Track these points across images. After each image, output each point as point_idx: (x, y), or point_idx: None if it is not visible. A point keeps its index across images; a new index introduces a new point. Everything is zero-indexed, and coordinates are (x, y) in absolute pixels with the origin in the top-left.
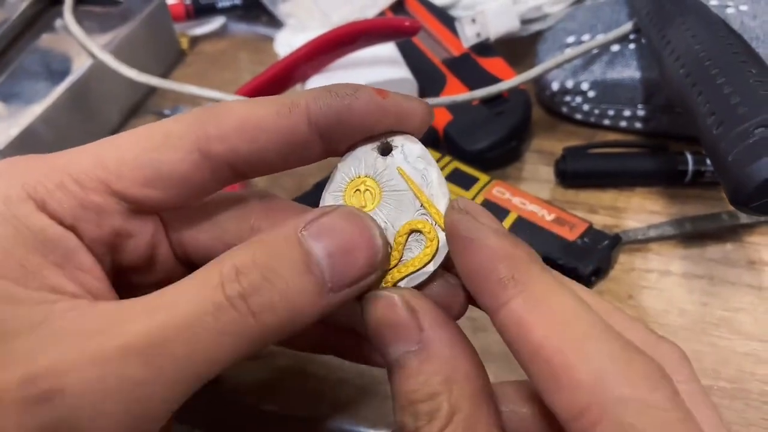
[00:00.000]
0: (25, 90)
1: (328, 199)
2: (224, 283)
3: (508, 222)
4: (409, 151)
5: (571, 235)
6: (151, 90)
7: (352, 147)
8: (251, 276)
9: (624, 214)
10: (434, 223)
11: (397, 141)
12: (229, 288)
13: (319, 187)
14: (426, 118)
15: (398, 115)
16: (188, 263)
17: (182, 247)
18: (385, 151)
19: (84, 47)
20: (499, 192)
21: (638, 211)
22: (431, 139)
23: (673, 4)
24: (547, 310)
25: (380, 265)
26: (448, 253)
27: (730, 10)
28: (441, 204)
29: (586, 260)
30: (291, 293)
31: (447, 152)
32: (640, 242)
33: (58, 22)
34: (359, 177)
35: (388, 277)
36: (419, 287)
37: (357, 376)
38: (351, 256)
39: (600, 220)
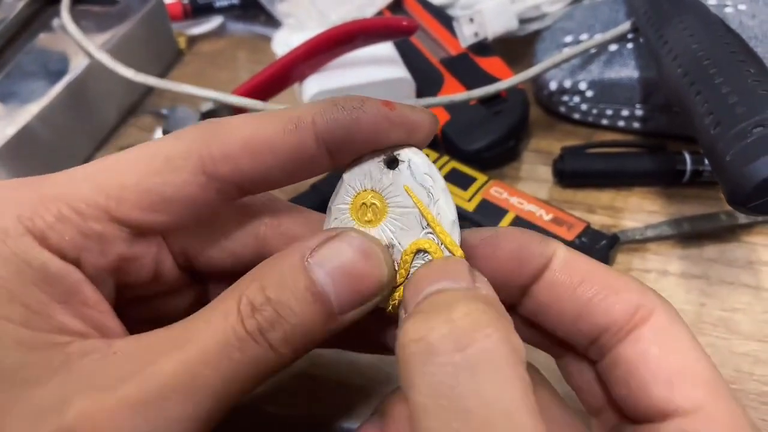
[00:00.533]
0: (22, 89)
1: (334, 212)
2: (244, 319)
3: (506, 222)
4: (416, 167)
5: (569, 234)
6: (149, 89)
7: (357, 158)
8: (265, 313)
9: (622, 213)
10: (440, 242)
11: (403, 155)
12: (248, 324)
13: (316, 189)
14: (432, 128)
15: (405, 127)
16: (191, 270)
17: (186, 259)
18: (392, 164)
19: (81, 47)
20: (497, 192)
21: (636, 210)
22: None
23: (670, 3)
24: (581, 254)
25: (387, 286)
26: None
27: (728, 10)
28: (446, 223)
29: None
30: (302, 324)
31: (445, 152)
32: (638, 242)
33: (55, 22)
34: (365, 190)
35: (396, 295)
36: None
37: (357, 377)
38: (357, 281)
39: (598, 220)
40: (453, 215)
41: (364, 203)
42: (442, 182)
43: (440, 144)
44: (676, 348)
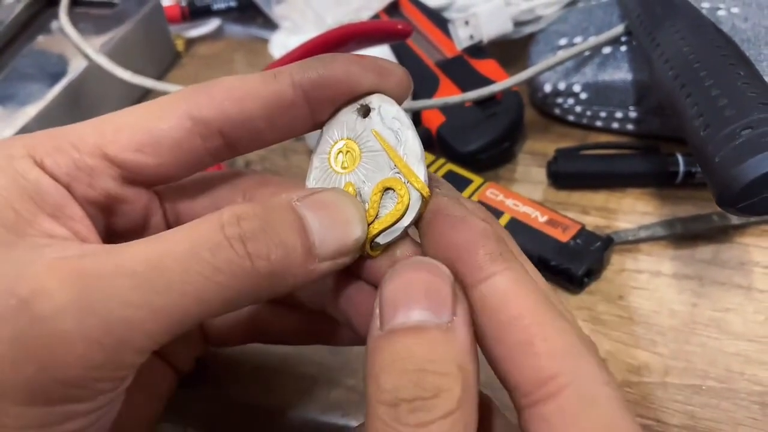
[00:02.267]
0: (21, 91)
1: (314, 161)
2: (225, 225)
3: (501, 223)
4: (386, 112)
5: (563, 236)
6: (147, 91)
7: (335, 112)
8: (252, 223)
9: (615, 215)
10: (406, 181)
11: (374, 102)
12: (229, 230)
13: None
14: (404, 78)
15: (376, 72)
16: None
17: (176, 216)
18: (365, 113)
19: (79, 49)
20: (492, 194)
21: (630, 212)
22: (425, 141)
23: (663, 6)
24: (529, 287)
25: (360, 245)
26: (419, 210)
27: (721, 13)
28: (413, 163)
29: (578, 262)
30: (285, 248)
31: (440, 154)
32: (631, 243)
33: (53, 24)
34: (342, 139)
35: (367, 233)
36: (393, 242)
37: (347, 377)
38: (338, 231)
39: (592, 221)
40: (420, 153)
41: (340, 151)
42: (411, 126)
43: (436, 146)
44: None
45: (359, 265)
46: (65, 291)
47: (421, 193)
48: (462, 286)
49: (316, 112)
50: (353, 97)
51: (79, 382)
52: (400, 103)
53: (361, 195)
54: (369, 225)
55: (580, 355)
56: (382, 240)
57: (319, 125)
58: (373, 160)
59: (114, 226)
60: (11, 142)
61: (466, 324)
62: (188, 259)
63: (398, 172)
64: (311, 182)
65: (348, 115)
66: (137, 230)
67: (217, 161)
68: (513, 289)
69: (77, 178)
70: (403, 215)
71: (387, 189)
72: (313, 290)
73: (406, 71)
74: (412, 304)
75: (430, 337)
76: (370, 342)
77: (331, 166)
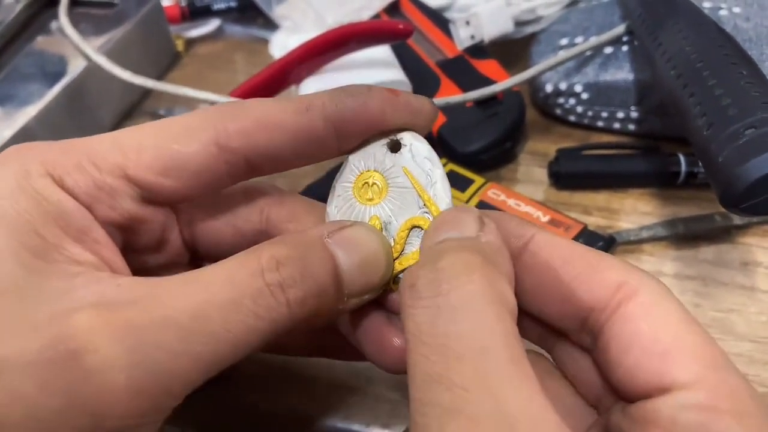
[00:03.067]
0: (20, 92)
1: (338, 189)
2: (264, 271)
3: None
4: (417, 150)
5: (566, 236)
6: (147, 92)
7: (363, 142)
8: (290, 269)
9: (617, 215)
10: (433, 219)
11: (406, 139)
12: (269, 276)
13: (310, 189)
14: (433, 115)
15: (409, 111)
16: (194, 248)
17: (191, 232)
18: (395, 147)
19: (78, 49)
20: (494, 194)
21: (631, 212)
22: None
23: (665, 6)
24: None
25: (385, 282)
26: None
27: (723, 12)
28: (442, 204)
29: None
30: (319, 292)
31: (442, 154)
32: (633, 243)
33: (53, 24)
34: (368, 171)
35: (393, 270)
36: None
37: (349, 377)
38: (366, 270)
39: (593, 222)
40: (448, 198)
41: (366, 182)
42: (440, 167)
43: (437, 146)
44: (666, 322)
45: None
46: (115, 346)
47: None
48: (509, 248)
49: (343, 143)
50: (383, 131)
51: (124, 429)
52: (426, 134)
53: (387, 230)
54: (395, 260)
55: (638, 268)
56: None
57: (345, 153)
58: (401, 196)
59: (132, 243)
60: (25, 154)
61: (494, 232)
62: (230, 307)
63: (426, 212)
64: (333, 210)
65: (377, 148)
66: (154, 246)
67: (235, 182)
68: (552, 238)
69: (98, 198)
70: None
71: (414, 227)
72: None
73: (436, 107)
74: (440, 230)
75: (451, 247)
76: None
77: (356, 196)
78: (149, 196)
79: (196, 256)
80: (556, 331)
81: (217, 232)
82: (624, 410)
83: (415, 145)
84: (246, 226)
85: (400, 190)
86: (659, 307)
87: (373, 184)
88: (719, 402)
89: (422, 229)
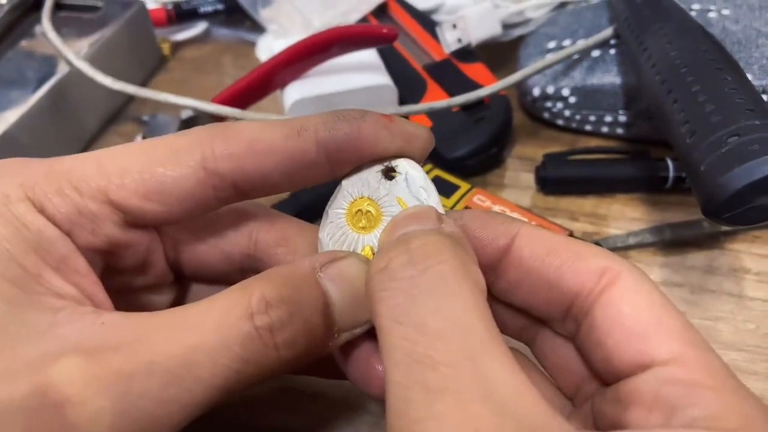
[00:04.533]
0: (2, 97)
1: (330, 215)
2: (254, 314)
3: None
4: (413, 180)
5: None
6: (131, 96)
7: (357, 167)
8: (280, 311)
9: (605, 221)
10: None
11: (401, 167)
12: (258, 320)
13: (296, 197)
14: (429, 143)
15: (404, 139)
16: (179, 269)
17: (176, 254)
18: (389, 175)
19: (60, 54)
20: (479, 200)
21: (619, 218)
22: None
23: (651, 10)
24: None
25: None
26: None
27: (711, 15)
28: None
29: None
30: (309, 332)
31: (427, 159)
32: (620, 250)
33: (37, 28)
34: (362, 197)
35: None
36: None
37: (332, 390)
38: (358, 304)
39: (581, 227)
40: None
41: (359, 210)
42: (436, 195)
43: None
44: (647, 304)
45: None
46: (100, 398)
47: None
48: (497, 260)
49: (336, 168)
50: (377, 158)
51: None
52: (421, 161)
53: None
54: None
55: (618, 257)
56: None
57: (338, 178)
58: None
59: (114, 266)
60: (4, 179)
61: (455, 228)
62: (219, 351)
63: None
64: (326, 237)
65: (371, 174)
66: (137, 268)
67: (223, 205)
68: (537, 231)
69: (79, 224)
70: None
71: None
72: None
73: (431, 134)
74: (401, 225)
75: (417, 232)
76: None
77: (349, 224)
78: (133, 220)
79: (181, 275)
80: (538, 322)
81: (204, 255)
82: (606, 394)
83: (411, 173)
84: (234, 249)
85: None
86: (640, 290)
87: (367, 212)
88: (698, 376)
89: None
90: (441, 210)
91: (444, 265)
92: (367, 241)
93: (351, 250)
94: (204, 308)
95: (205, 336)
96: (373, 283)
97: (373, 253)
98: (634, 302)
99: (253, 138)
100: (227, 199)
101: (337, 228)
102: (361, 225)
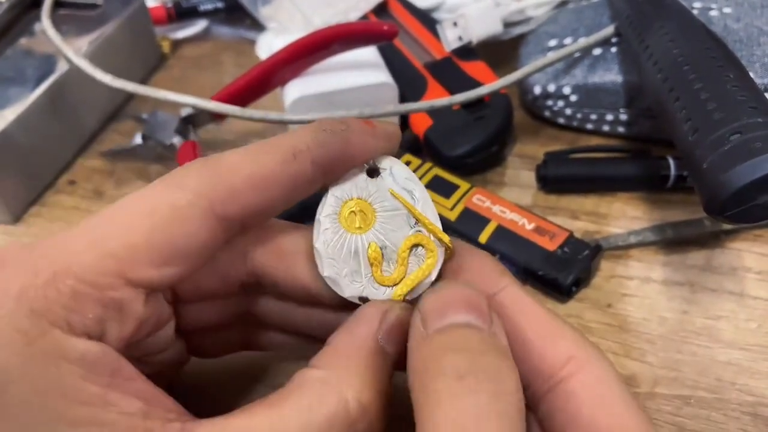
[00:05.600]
0: (1, 94)
1: (323, 222)
2: (356, 422)
3: (488, 231)
4: (398, 173)
5: (551, 244)
6: (131, 94)
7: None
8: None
9: (606, 219)
10: (431, 236)
11: (384, 164)
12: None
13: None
14: (399, 139)
15: (386, 139)
16: (176, 297)
17: (174, 290)
18: (373, 173)
19: (60, 51)
20: (479, 200)
21: (620, 216)
22: (412, 145)
23: (652, 7)
24: (531, 298)
25: None
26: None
27: (713, 13)
28: (434, 219)
29: (566, 271)
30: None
31: (428, 158)
32: (621, 249)
33: (36, 26)
34: (351, 199)
35: (398, 291)
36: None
37: None
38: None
39: (582, 226)
40: (435, 214)
41: (352, 211)
42: (422, 186)
43: (423, 150)
44: (607, 405)
45: None
46: None
47: (447, 245)
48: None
49: (328, 178)
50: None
51: None
52: (396, 156)
53: (384, 254)
54: (401, 281)
55: (589, 344)
56: (412, 296)
57: (327, 184)
58: (390, 219)
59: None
60: (11, 304)
61: (503, 332)
62: None
63: (420, 230)
64: (322, 246)
65: (356, 175)
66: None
67: (230, 239)
68: (521, 296)
69: (108, 319)
70: (434, 269)
71: (414, 245)
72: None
73: (399, 129)
74: (458, 310)
75: (480, 333)
76: (413, 343)
77: (344, 227)
78: (151, 290)
79: (177, 299)
80: None
81: (202, 282)
82: None
83: (395, 168)
84: (230, 271)
85: (388, 213)
86: (601, 389)
87: (359, 211)
88: None
89: (421, 245)
90: (429, 198)
91: (500, 386)
92: (368, 239)
93: (352, 252)
94: (296, 413)
95: None
96: (437, 385)
97: (379, 250)
98: (594, 402)
99: (252, 172)
100: (235, 235)
101: (333, 233)
102: (356, 226)
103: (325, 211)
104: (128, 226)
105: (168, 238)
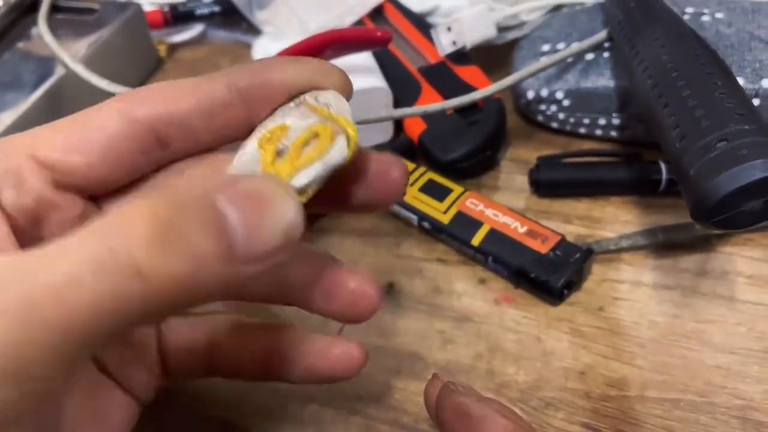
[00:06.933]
0: None
1: (240, 149)
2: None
3: (480, 234)
4: (338, 107)
5: (543, 248)
6: None
7: (272, 112)
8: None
9: (598, 223)
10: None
11: (321, 97)
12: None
13: None
14: (346, 81)
15: (313, 72)
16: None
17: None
18: (308, 102)
19: (56, 56)
20: (472, 204)
21: (612, 220)
22: (407, 150)
23: (644, 13)
24: None
25: (296, 239)
26: (348, 151)
27: (705, 18)
28: (344, 115)
29: (557, 274)
30: (193, 255)
31: (422, 162)
32: (613, 252)
33: (33, 30)
34: (276, 126)
35: (282, 172)
36: (319, 183)
37: (322, 392)
38: (267, 228)
39: (574, 230)
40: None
41: (272, 133)
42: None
43: (417, 154)
44: None
45: None
46: None
47: (347, 131)
48: None
49: (253, 113)
50: (291, 97)
51: None
52: (347, 98)
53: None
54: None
55: None
56: (305, 179)
57: (254, 122)
58: (304, 117)
59: (46, 235)
60: None
61: None
62: (67, 289)
63: (325, 124)
64: (231, 170)
65: (289, 108)
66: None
67: (152, 165)
68: None
69: (6, 183)
70: (327, 151)
71: (314, 136)
72: (272, 283)
73: (345, 73)
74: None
75: None
76: None
77: (259, 148)
78: (62, 180)
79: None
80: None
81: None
82: None
83: (337, 102)
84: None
85: (301, 123)
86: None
87: (282, 128)
88: None
89: (318, 133)
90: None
91: None
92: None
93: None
94: (71, 238)
95: (56, 272)
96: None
97: (274, 136)
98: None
99: (167, 86)
100: (150, 151)
101: (245, 155)
102: (275, 151)
103: (249, 139)
104: (62, 120)
105: (79, 127)
